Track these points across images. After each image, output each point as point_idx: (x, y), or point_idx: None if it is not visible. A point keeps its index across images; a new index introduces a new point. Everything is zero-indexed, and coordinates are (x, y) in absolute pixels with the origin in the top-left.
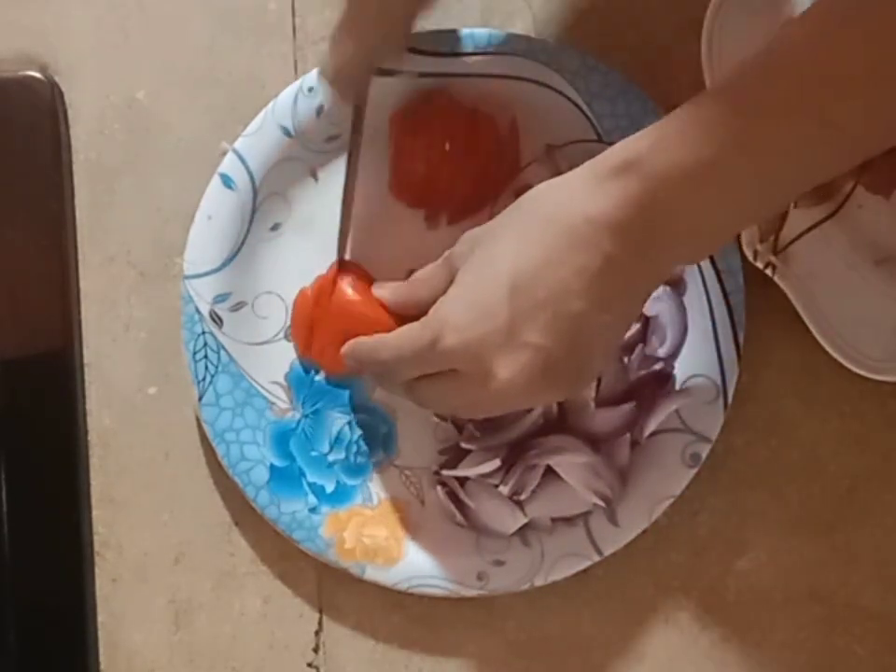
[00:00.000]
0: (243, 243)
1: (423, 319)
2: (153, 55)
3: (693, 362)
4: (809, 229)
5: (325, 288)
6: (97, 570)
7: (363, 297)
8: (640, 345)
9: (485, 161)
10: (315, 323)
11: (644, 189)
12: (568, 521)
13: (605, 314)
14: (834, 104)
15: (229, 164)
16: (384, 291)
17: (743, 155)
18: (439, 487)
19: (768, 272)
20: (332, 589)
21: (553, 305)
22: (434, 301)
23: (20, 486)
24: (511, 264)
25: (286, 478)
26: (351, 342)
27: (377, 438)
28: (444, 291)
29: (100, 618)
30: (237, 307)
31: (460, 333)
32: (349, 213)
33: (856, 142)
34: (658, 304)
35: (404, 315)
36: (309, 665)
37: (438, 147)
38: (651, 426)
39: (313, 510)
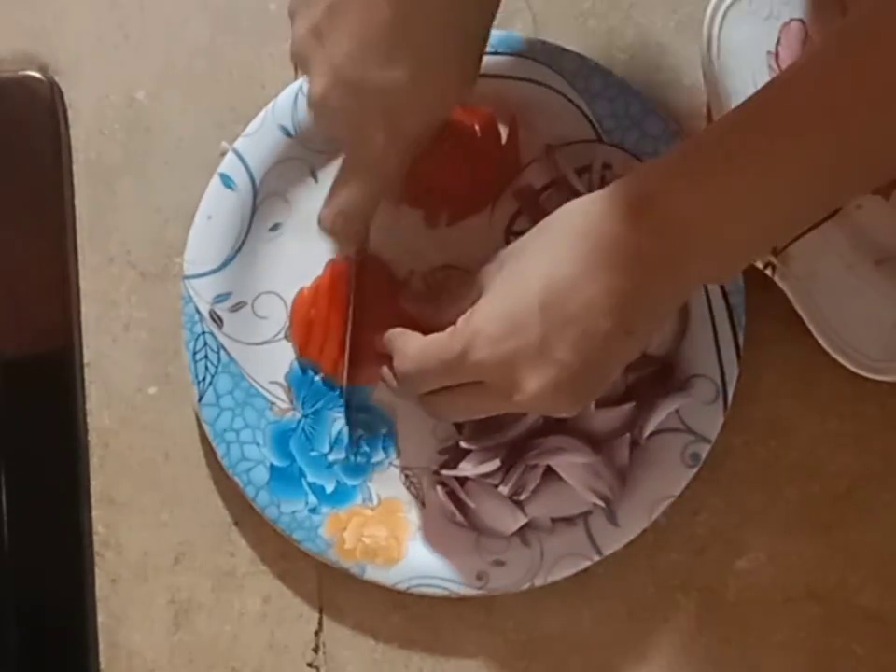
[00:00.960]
0: (243, 243)
1: (450, 330)
2: (153, 55)
3: (693, 362)
4: (809, 229)
5: (322, 289)
6: (97, 570)
7: (361, 297)
8: None
9: (485, 160)
10: (314, 323)
11: (668, 218)
12: (568, 521)
13: (629, 333)
14: (862, 126)
15: (229, 164)
16: (411, 307)
17: (768, 178)
18: (439, 487)
19: (768, 272)
20: (332, 589)
21: (583, 322)
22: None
23: (20, 486)
24: (542, 279)
25: (286, 478)
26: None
27: (377, 438)
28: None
29: (100, 618)
30: (237, 307)
31: (493, 345)
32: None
33: (884, 162)
34: None
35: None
36: (309, 664)
37: (438, 148)
38: (651, 426)
39: (313, 510)
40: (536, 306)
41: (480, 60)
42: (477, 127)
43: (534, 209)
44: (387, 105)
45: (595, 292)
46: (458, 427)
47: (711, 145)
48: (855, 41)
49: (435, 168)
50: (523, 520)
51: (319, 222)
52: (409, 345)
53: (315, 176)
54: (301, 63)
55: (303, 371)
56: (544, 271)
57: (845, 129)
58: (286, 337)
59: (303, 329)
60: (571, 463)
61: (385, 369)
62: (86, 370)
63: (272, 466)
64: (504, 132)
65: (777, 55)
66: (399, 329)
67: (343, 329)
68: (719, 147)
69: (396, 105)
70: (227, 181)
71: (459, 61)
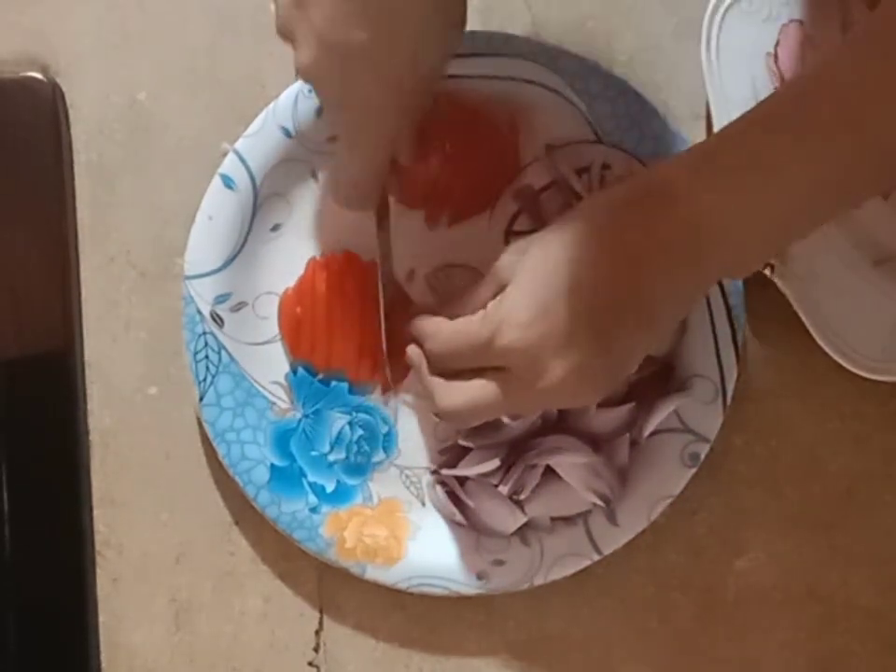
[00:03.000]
0: (243, 243)
1: (480, 314)
2: (153, 55)
3: (693, 362)
4: None
5: (306, 286)
6: (97, 570)
7: (340, 289)
8: None
9: (485, 162)
10: (301, 322)
11: (691, 213)
12: (568, 520)
13: (649, 327)
14: (880, 129)
15: (229, 165)
16: (420, 308)
17: (791, 177)
18: (439, 487)
19: (767, 272)
20: (333, 589)
21: (608, 313)
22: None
23: (20, 486)
24: (567, 267)
25: (286, 478)
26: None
27: (377, 438)
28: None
29: (100, 618)
30: (238, 307)
31: (522, 330)
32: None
33: None
34: None
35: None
36: (309, 664)
37: (438, 149)
38: (651, 426)
39: (313, 509)
40: (563, 295)
41: (464, 4)
42: (477, 128)
43: (534, 209)
44: (374, 60)
45: (619, 285)
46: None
47: (735, 142)
48: (875, 44)
49: (436, 169)
50: (522, 519)
51: (334, 198)
52: (441, 329)
53: (315, 177)
54: (286, 36)
55: (293, 372)
56: (569, 259)
57: (864, 131)
58: None
59: (292, 329)
60: (571, 463)
61: (414, 347)
62: (86, 370)
63: (272, 465)
64: (504, 133)
65: (776, 56)
66: (428, 316)
67: (331, 325)
68: (742, 146)
69: (382, 60)
70: (227, 181)
71: (442, 6)
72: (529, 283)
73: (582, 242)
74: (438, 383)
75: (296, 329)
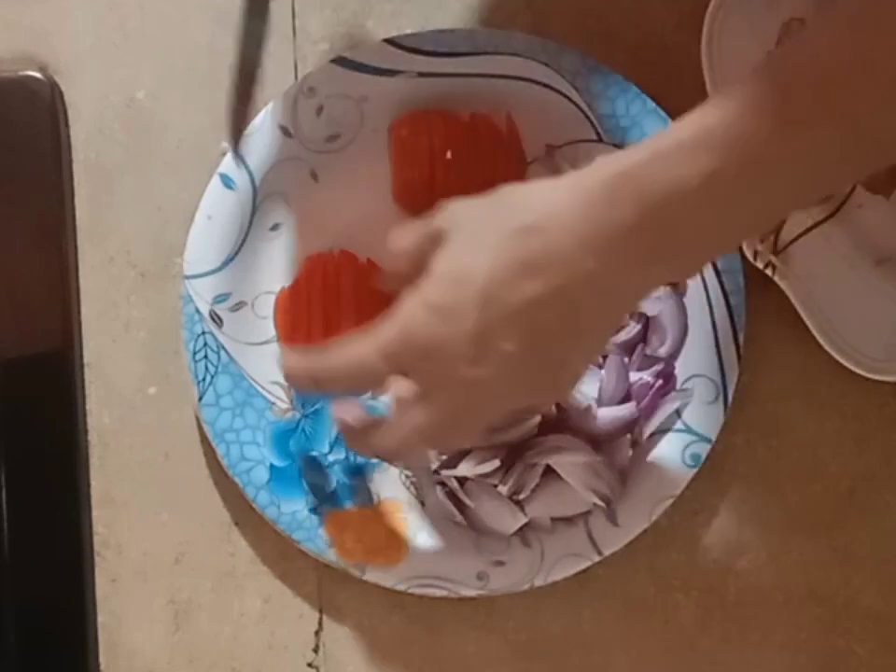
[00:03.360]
0: (243, 243)
1: (377, 323)
2: (153, 55)
3: (694, 362)
4: (809, 229)
5: (301, 285)
6: (97, 570)
7: (336, 287)
8: (640, 345)
9: (485, 162)
10: (297, 321)
11: (640, 206)
12: (568, 521)
13: (579, 331)
14: (866, 113)
15: (229, 164)
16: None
17: (754, 167)
18: (439, 487)
19: (768, 272)
20: (332, 589)
21: (527, 318)
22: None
23: (20, 486)
24: (484, 271)
25: (286, 478)
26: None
27: None
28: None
29: (100, 618)
30: (237, 307)
31: (416, 336)
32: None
33: (884, 149)
34: (658, 305)
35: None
36: (309, 665)
37: (439, 156)
38: (652, 426)
39: (313, 510)
40: (475, 298)
41: None
42: (477, 128)
43: None
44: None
45: (541, 290)
46: None
47: (691, 132)
48: (856, 31)
49: (436, 176)
50: (523, 520)
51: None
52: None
53: (314, 176)
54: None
55: None
56: (487, 260)
57: (856, 120)
58: None
59: (288, 327)
60: (571, 463)
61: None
62: (86, 370)
63: (272, 466)
64: (504, 135)
65: None
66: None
67: (327, 323)
68: (702, 136)
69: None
70: (227, 181)
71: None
72: (438, 286)
73: (504, 242)
74: (361, 429)
75: (291, 327)
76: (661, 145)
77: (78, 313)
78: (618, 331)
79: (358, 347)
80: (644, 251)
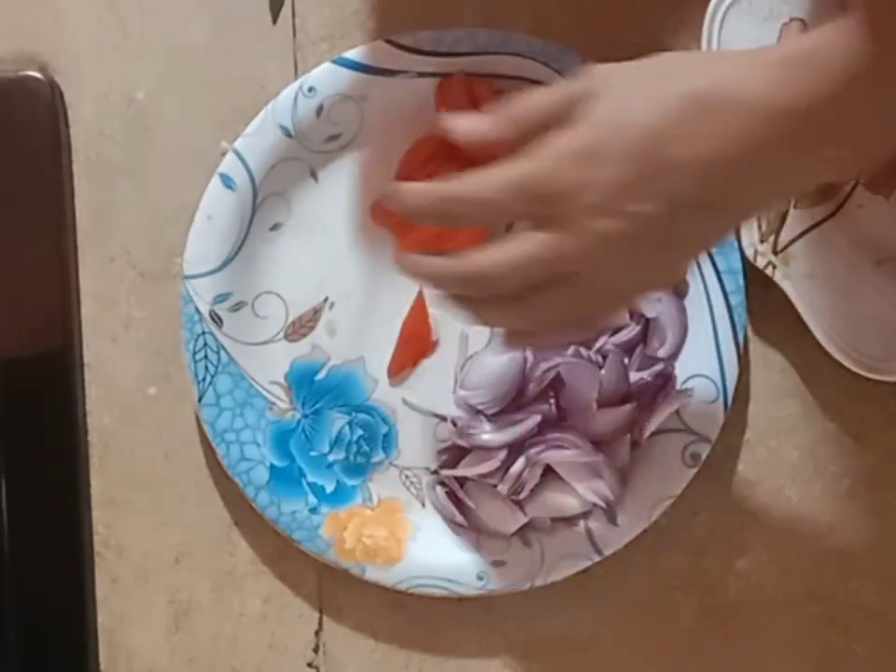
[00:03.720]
0: (243, 243)
1: (522, 152)
2: (153, 55)
3: (694, 362)
4: (809, 229)
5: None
6: (97, 570)
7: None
8: (640, 346)
9: (485, 162)
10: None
11: (820, 79)
12: (568, 521)
13: (723, 209)
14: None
15: (229, 164)
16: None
17: None
18: (439, 487)
19: (768, 272)
20: (332, 589)
21: (675, 182)
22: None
23: (20, 486)
24: (646, 124)
25: (286, 478)
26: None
27: (377, 438)
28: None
29: (100, 618)
30: (237, 307)
31: (555, 177)
32: None
33: None
34: (658, 306)
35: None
36: (309, 665)
37: (439, 149)
38: (652, 426)
39: (313, 510)
40: (627, 147)
41: None
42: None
43: None
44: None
45: (696, 157)
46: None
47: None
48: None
49: (437, 170)
50: (523, 520)
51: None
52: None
53: (315, 176)
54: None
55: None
56: (646, 116)
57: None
58: (286, 337)
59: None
60: (571, 463)
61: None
62: (86, 370)
63: (272, 466)
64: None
65: None
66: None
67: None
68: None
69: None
70: (227, 181)
71: None
72: (589, 128)
73: (669, 104)
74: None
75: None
76: (840, 23)
77: (78, 313)
78: (618, 332)
79: (491, 178)
80: (821, 131)
